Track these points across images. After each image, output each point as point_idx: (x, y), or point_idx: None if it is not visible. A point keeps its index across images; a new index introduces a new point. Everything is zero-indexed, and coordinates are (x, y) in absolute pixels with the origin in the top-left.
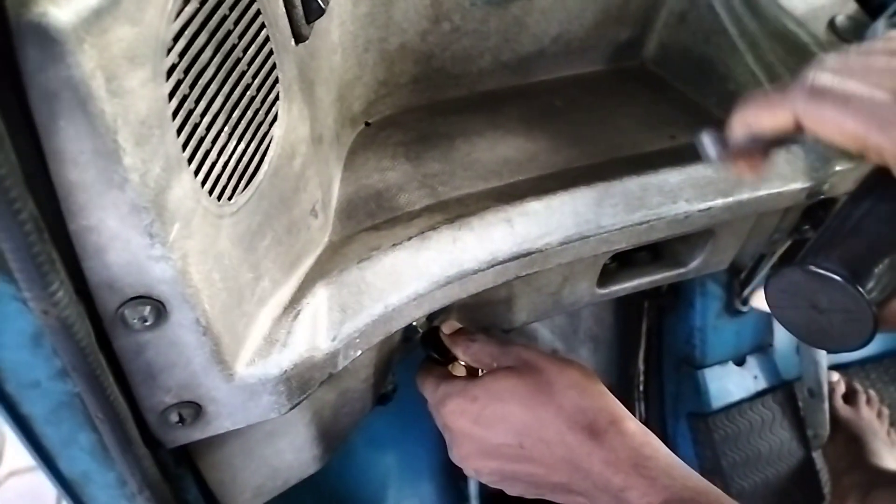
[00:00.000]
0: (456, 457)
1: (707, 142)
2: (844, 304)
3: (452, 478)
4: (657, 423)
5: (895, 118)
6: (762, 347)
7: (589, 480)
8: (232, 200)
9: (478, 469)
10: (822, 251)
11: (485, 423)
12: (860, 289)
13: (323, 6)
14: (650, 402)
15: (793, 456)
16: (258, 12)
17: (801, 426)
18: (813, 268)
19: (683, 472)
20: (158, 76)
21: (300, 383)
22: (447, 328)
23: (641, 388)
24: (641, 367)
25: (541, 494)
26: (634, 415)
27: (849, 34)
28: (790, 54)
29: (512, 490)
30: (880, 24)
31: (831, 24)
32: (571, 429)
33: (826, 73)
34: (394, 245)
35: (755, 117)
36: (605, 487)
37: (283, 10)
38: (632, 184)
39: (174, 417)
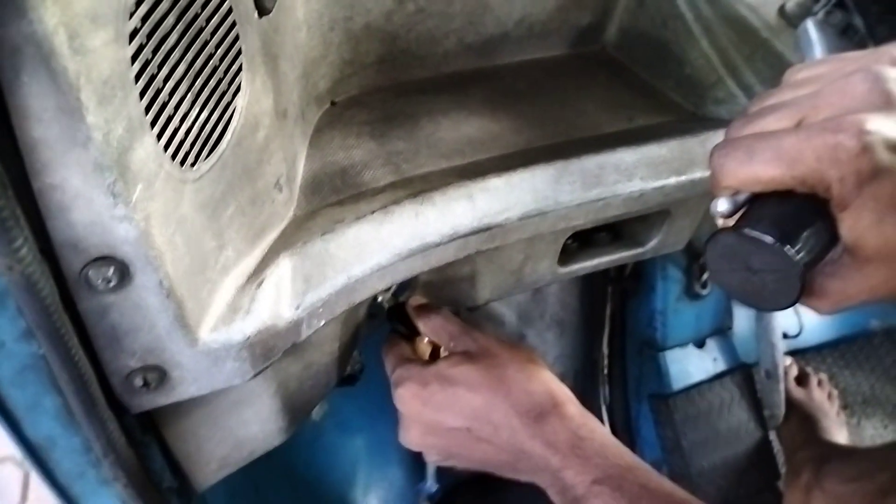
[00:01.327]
0: (404, 438)
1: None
2: (774, 264)
3: (421, 462)
4: (621, 404)
5: (800, 151)
6: (721, 330)
7: (531, 461)
8: (195, 167)
9: (425, 448)
10: (754, 217)
11: (435, 406)
12: (788, 249)
13: None
14: (614, 385)
15: (750, 435)
16: None
17: (758, 407)
18: (746, 231)
19: (616, 451)
20: (121, 38)
21: (264, 350)
22: (413, 302)
23: (606, 371)
24: (606, 350)
25: (486, 470)
26: (599, 397)
27: (798, 20)
28: (742, 39)
29: (459, 465)
30: (809, 23)
31: (781, 10)
32: (517, 413)
33: (736, 124)
34: (357, 218)
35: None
36: (546, 467)
37: None
38: (589, 162)
39: (139, 381)
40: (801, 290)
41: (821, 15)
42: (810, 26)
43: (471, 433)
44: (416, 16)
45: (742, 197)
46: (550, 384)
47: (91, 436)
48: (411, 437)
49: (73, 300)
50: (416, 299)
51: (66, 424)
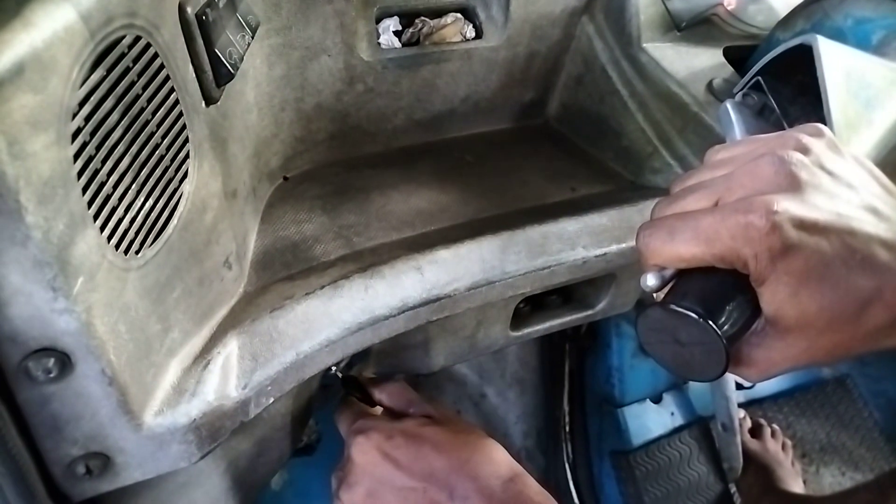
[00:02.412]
0: (347, 494)
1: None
2: (700, 338)
3: None
4: (584, 461)
5: (716, 231)
6: (677, 385)
7: None
8: (139, 254)
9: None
10: (680, 292)
11: (395, 461)
12: (712, 323)
13: (232, 71)
14: (576, 442)
15: (710, 489)
16: (167, 77)
17: (716, 460)
18: (673, 306)
19: None
20: (63, 139)
21: (210, 432)
22: (366, 374)
23: (567, 428)
24: (566, 407)
25: None
26: (562, 455)
27: (724, 95)
28: (675, 113)
29: None
30: (728, 104)
31: (709, 86)
32: (477, 478)
33: (660, 204)
34: (306, 294)
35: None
36: None
37: (193, 74)
38: (534, 232)
39: (81, 469)
40: (728, 362)
41: (738, 97)
42: (730, 107)
43: (425, 494)
44: (365, 95)
45: (668, 272)
46: (509, 460)
47: None
48: (354, 495)
49: (12, 391)
50: (368, 373)
51: None
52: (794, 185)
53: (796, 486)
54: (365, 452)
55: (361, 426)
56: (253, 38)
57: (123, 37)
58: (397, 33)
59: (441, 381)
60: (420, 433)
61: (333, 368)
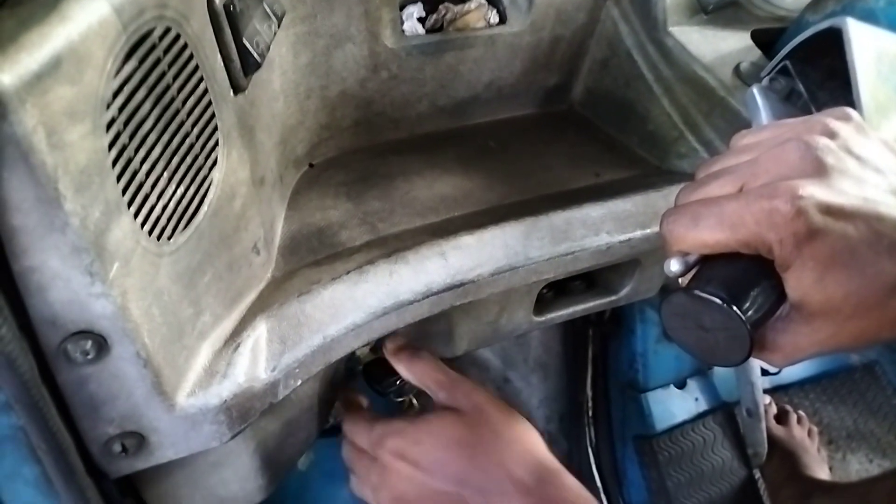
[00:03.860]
0: (385, 498)
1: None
2: (724, 323)
3: None
4: (607, 446)
5: (740, 217)
6: (702, 371)
7: None
8: (171, 240)
9: None
10: (704, 278)
11: (427, 467)
12: (736, 308)
13: (259, 60)
14: (599, 427)
15: (734, 474)
16: (196, 67)
17: (741, 445)
18: (697, 292)
19: None
20: (98, 129)
21: (241, 413)
22: (392, 344)
23: (590, 413)
24: (590, 392)
25: None
26: (585, 439)
27: (752, 79)
28: (701, 97)
29: None
30: (755, 89)
31: (737, 69)
32: (512, 481)
33: (684, 190)
34: (333, 279)
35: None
36: None
37: (221, 64)
38: (557, 218)
39: (117, 448)
40: (751, 348)
41: (765, 81)
42: (756, 92)
43: (461, 498)
44: (389, 82)
45: (692, 258)
46: (545, 453)
47: (70, 503)
48: (395, 496)
49: (52, 372)
50: (394, 339)
51: (45, 492)
52: (819, 170)
53: (822, 473)
54: (394, 461)
55: (383, 433)
56: (279, 26)
57: (154, 28)
58: (421, 20)
59: (464, 365)
60: (447, 436)
61: (357, 352)
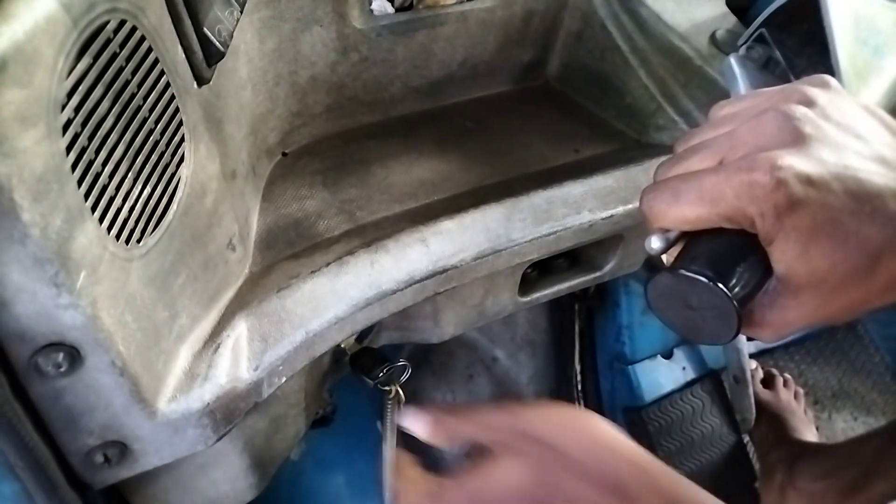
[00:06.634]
0: None
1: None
2: (711, 301)
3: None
4: None
5: (720, 191)
6: (687, 340)
7: None
8: (141, 243)
9: None
10: (689, 256)
11: None
12: (722, 286)
13: (223, 49)
14: (589, 401)
15: (724, 440)
16: (156, 61)
17: (729, 412)
18: (682, 271)
19: None
20: (53, 133)
21: (225, 414)
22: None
23: (580, 388)
24: (578, 367)
25: None
26: None
27: (728, 47)
28: (677, 68)
29: None
30: (732, 59)
31: (712, 38)
32: (600, 494)
33: (663, 166)
34: (312, 272)
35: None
36: None
37: (183, 55)
38: (538, 198)
39: (99, 458)
40: (739, 324)
41: (742, 51)
42: (734, 62)
43: None
44: (360, 65)
45: (673, 235)
46: (622, 445)
47: None
48: None
49: (24, 387)
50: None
51: None
52: (798, 139)
53: (809, 435)
54: None
55: None
56: (242, 12)
57: (108, 22)
58: None
59: (452, 346)
60: (512, 490)
61: (343, 343)
